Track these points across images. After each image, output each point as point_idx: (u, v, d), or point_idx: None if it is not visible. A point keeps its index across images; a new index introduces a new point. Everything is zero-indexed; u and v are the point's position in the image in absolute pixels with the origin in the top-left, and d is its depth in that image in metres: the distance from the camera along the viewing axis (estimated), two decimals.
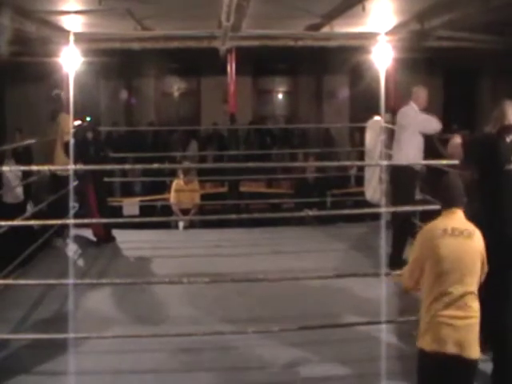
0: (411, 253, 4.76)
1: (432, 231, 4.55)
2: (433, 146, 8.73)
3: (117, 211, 12.33)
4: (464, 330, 4.36)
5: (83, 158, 9.69)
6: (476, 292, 4.48)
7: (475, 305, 4.45)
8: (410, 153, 8.46)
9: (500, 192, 5.41)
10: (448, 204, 4.66)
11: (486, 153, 5.47)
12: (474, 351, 4.38)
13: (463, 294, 4.40)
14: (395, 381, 5.54)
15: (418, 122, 8.52)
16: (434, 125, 8.57)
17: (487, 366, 5.39)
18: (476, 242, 4.53)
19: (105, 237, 10.17)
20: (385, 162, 9.96)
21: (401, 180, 8.52)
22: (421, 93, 8.72)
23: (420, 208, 8.19)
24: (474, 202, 5.29)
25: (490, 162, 5.43)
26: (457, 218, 4.61)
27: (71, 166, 9.23)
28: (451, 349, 4.32)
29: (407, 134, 8.54)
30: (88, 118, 10.44)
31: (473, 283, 4.47)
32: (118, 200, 13.38)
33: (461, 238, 4.47)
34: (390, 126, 10.79)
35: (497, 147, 5.39)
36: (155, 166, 8.92)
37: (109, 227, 10.24)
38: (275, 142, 17.88)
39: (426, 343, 4.42)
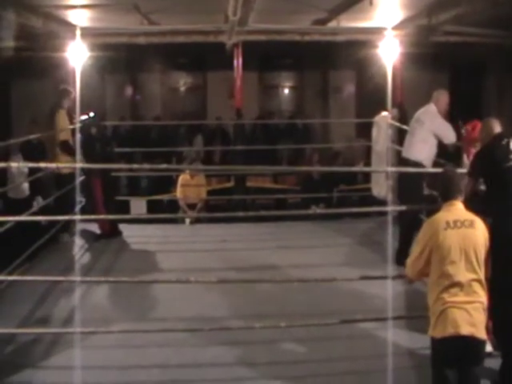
0: (415, 245, 4.90)
1: (435, 225, 4.72)
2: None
3: (124, 206, 12.31)
4: (474, 312, 4.55)
5: (90, 153, 9.70)
6: (483, 279, 4.66)
7: (481, 291, 4.63)
8: (424, 151, 8.38)
9: (503, 189, 5.62)
10: (446, 197, 4.86)
11: (487, 157, 5.77)
12: (483, 332, 4.59)
13: (471, 282, 4.58)
14: (402, 377, 5.53)
15: (436, 123, 8.42)
16: (450, 134, 8.39)
17: (496, 362, 5.38)
18: (478, 230, 4.72)
19: (110, 231, 10.17)
20: (392, 169, 9.93)
21: (408, 175, 8.46)
22: (441, 96, 8.59)
23: (428, 205, 8.19)
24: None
25: (490, 164, 5.69)
26: (456, 210, 4.79)
27: (78, 164, 9.26)
28: (466, 330, 4.51)
29: (423, 131, 8.42)
30: (92, 114, 10.41)
31: (479, 270, 4.64)
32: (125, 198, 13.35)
33: (463, 228, 4.64)
34: (396, 121, 10.77)
35: (494, 150, 5.71)
36: (163, 166, 8.95)
37: (115, 222, 10.24)
38: (281, 137, 17.82)
39: (439, 331, 4.58)
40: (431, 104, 8.55)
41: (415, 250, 4.83)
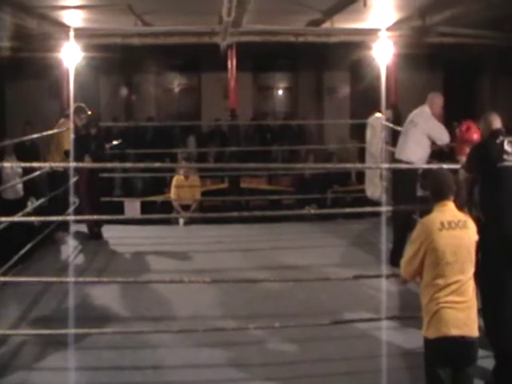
0: (409, 245, 4.86)
1: (430, 225, 4.69)
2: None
3: (118, 207, 12.28)
4: (468, 312, 4.56)
5: (84, 152, 9.69)
6: (473, 277, 4.68)
7: (471, 289, 4.65)
8: (417, 153, 8.37)
9: (495, 188, 5.64)
10: (439, 197, 4.83)
11: (481, 155, 5.80)
12: (475, 330, 4.60)
13: (464, 282, 4.59)
14: (396, 377, 5.53)
15: (430, 125, 8.42)
16: (443, 135, 8.43)
17: (489, 363, 5.38)
18: (471, 230, 4.73)
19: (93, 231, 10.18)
20: (385, 165, 9.94)
21: (402, 176, 8.47)
22: (436, 99, 8.58)
23: (421, 206, 8.21)
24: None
25: (484, 162, 5.72)
26: (449, 211, 4.77)
27: (71, 163, 9.25)
28: (460, 330, 4.51)
29: (416, 133, 8.40)
30: (89, 112, 10.38)
31: (471, 270, 4.66)
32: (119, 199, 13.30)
33: (457, 229, 4.64)
34: (390, 122, 10.78)
35: (488, 148, 5.75)
36: (157, 165, 8.91)
37: (99, 224, 10.20)
38: (275, 138, 17.85)
39: (433, 331, 4.59)
40: (425, 106, 8.55)
41: (409, 250, 4.81)
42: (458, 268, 4.57)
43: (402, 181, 8.49)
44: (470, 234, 4.70)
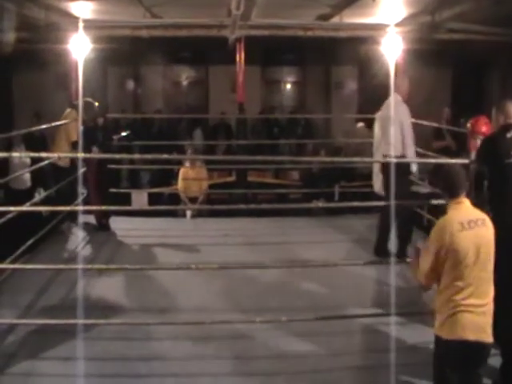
0: (429, 250, 4.57)
1: (449, 227, 4.48)
2: (441, 135, 8.66)
3: (125, 199, 12.30)
4: (483, 316, 4.46)
5: (92, 144, 9.70)
6: (492, 276, 4.57)
7: (491, 290, 4.55)
8: (398, 146, 8.37)
9: (502, 184, 5.62)
10: (453, 193, 4.64)
11: (489, 149, 5.74)
12: (491, 335, 4.50)
13: (483, 282, 4.48)
14: (402, 372, 5.52)
15: (407, 121, 8.41)
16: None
17: (496, 360, 5.37)
18: (490, 228, 4.59)
19: (100, 224, 10.20)
20: (394, 160, 9.92)
21: (395, 172, 8.37)
22: (401, 82, 8.60)
23: (414, 201, 8.19)
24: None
25: (492, 157, 5.67)
26: (467, 209, 4.62)
27: (80, 154, 9.27)
28: (475, 335, 4.40)
29: (397, 131, 8.38)
30: (96, 104, 10.39)
31: (492, 269, 4.56)
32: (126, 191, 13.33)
33: (476, 228, 4.48)
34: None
35: (497, 143, 5.68)
36: (164, 156, 8.92)
37: (107, 215, 10.23)
38: (283, 132, 17.87)
39: (447, 332, 4.47)
40: (394, 94, 8.54)
41: (430, 255, 4.52)
42: (478, 268, 4.43)
43: (395, 176, 8.39)
44: (489, 231, 4.56)
